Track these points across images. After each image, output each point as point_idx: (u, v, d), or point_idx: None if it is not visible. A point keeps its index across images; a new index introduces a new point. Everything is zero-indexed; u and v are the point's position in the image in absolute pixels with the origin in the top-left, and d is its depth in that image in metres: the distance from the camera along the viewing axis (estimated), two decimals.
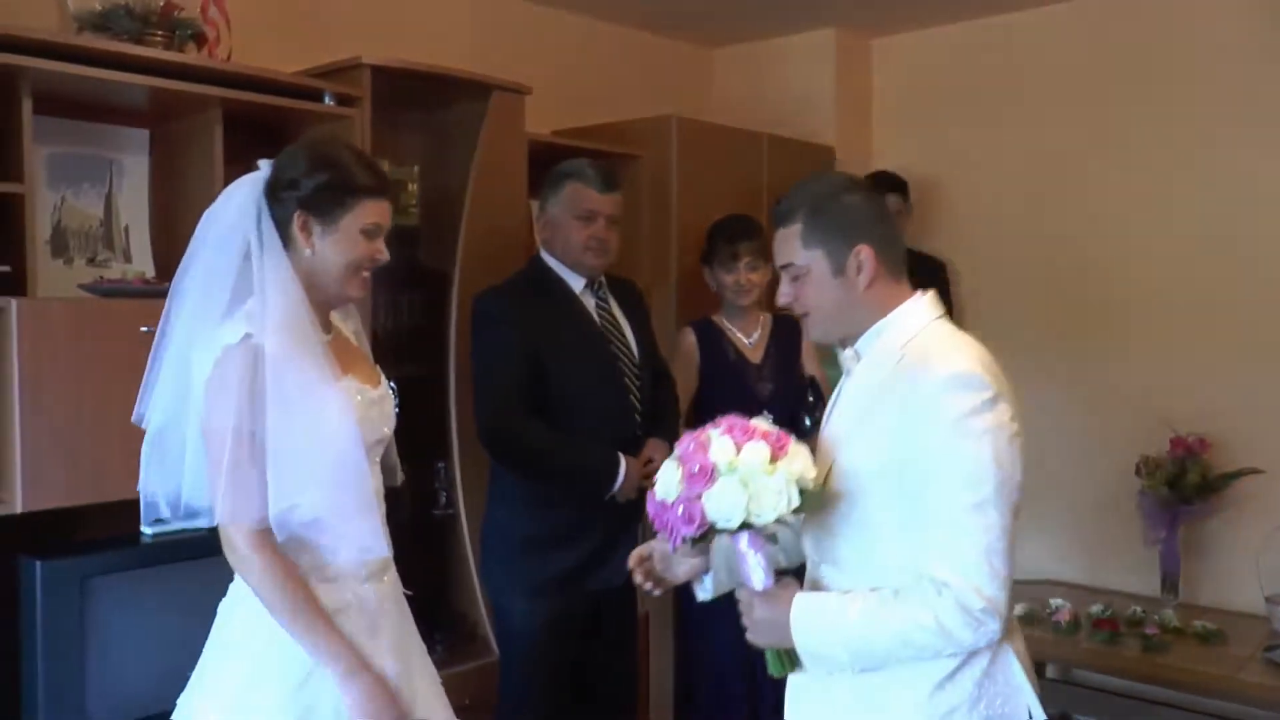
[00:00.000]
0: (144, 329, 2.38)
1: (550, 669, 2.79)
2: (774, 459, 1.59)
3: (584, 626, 2.82)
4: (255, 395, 1.74)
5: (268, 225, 1.83)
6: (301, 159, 1.87)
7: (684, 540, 1.62)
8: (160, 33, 2.61)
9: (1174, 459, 3.74)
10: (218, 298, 1.82)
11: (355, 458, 1.82)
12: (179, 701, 1.94)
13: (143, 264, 2.83)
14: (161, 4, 2.64)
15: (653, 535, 1.80)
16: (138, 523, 2.50)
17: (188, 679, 2.42)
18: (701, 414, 3.27)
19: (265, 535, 1.77)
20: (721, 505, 1.58)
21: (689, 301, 3.66)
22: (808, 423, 3.14)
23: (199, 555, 2.51)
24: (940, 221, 4.36)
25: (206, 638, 2.44)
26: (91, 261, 2.76)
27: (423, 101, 3.26)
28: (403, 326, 3.23)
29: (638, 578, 1.88)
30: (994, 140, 4.30)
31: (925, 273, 3.92)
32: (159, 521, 2.19)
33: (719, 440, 1.62)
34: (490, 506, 2.89)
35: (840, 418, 1.79)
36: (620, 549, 2.84)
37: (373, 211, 1.88)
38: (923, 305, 1.78)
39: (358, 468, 1.83)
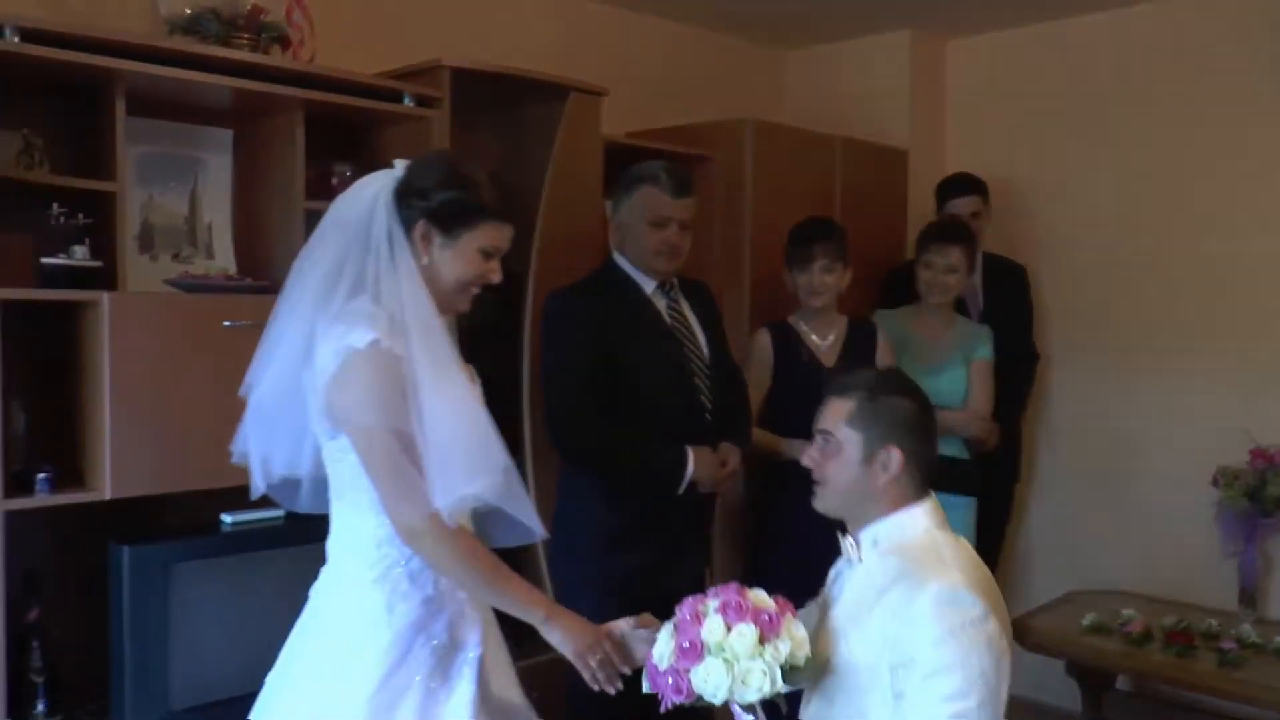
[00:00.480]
0: (226, 324, 2.48)
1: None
2: (762, 640, 1.69)
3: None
4: (397, 397, 1.77)
5: (398, 227, 1.86)
6: (437, 170, 1.91)
7: (671, 705, 1.75)
8: (246, 35, 2.68)
9: (1254, 470, 3.65)
10: (341, 285, 1.85)
11: (499, 443, 1.85)
12: (267, 681, 1.99)
13: (225, 261, 2.91)
14: (248, 8, 2.71)
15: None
16: (217, 511, 2.58)
17: (266, 663, 2.50)
18: (774, 414, 3.29)
19: (441, 520, 1.79)
20: (706, 683, 1.69)
21: (762, 304, 3.66)
22: None
23: (275, 544, 2.60)
24: (1017, 226, 4.30)
25: (281, 624, 2.52)
26: (176, 258, 2.84)
27: (500, 103, 3.30)
28: (477, 326, 3.27)
29: (591, 664, 1.88)
30: (1072, 144, 4.24)
31: (1003, 276, 3.93)
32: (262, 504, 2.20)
33: (712, 618, 1.72)
34: (560, 503, 2.91)
35: (843, 612, 1.88)
36: (692, 550, 2.88)
37: (495, 234, 1.93)
38: (922, 513, 1.88)
39: (504, 452, 1.85)
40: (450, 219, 1.88)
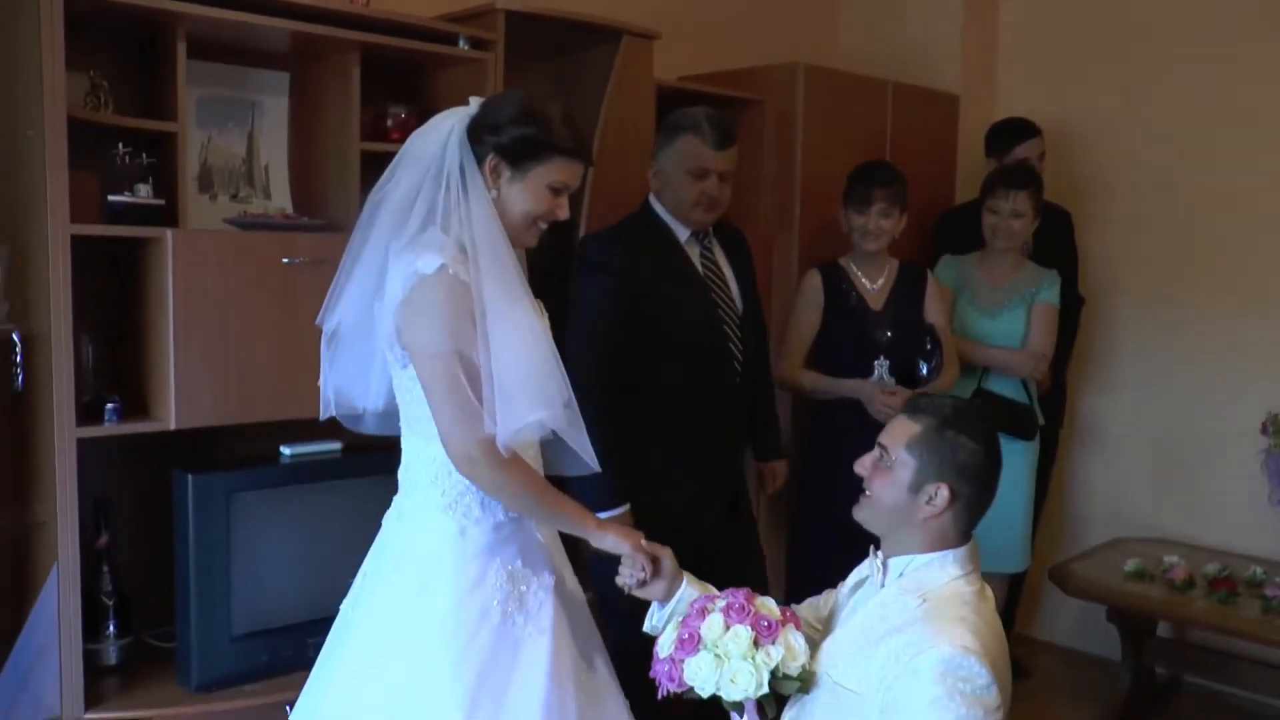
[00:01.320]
0: (285, 260, 2.54)
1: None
2: (756, 644, 1.75)
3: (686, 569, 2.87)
4: (463, 322, 1.81)
5: (470, 160, 1.91)
6: (510, 106, 1.94)
7: (667, 693, 1.82)
8: None
9: None
10: (413, 218, 1.91)
11: (562, 376, 1.90)
12: (342, 609, 2.05)
13: (281, 201, 2.98)
14: None
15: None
16: (276, 443, 2.67)
17: (323, 591, 2.59)
18: (822, 355, 3.32)
19: (493, 446, 1.82)
20: (697, 676, 1.76)
21: (811, 248, 3.67)
22: (923, 369, 3.16)
23: (333, 477, 2.69)
24: (1067, 171, 4.26)
25: (338, 554, 2.60)
26: (234, 198, 2.91)
27: (554, 47, 3.32)
28: (528, 271, 3.32)
29: (640, 559, 1.98)
30: (1127, 87, 4.17)
31: (1049, 221, 3.91)
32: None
33: (714, 615, 1.78)
34: None
35: (849, 633, 1.88)
36: (717, 493, 2.90)
37: (564, 170, 1.96)
38: (955, 561, 1.85)
39: (567, 386, 1.90)
40: (519, 154, 1.92)
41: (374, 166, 2.82)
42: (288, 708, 2.46)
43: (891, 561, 1.88)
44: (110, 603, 2.56)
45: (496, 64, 2.93)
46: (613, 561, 2.03)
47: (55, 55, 2.29)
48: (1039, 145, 3.93)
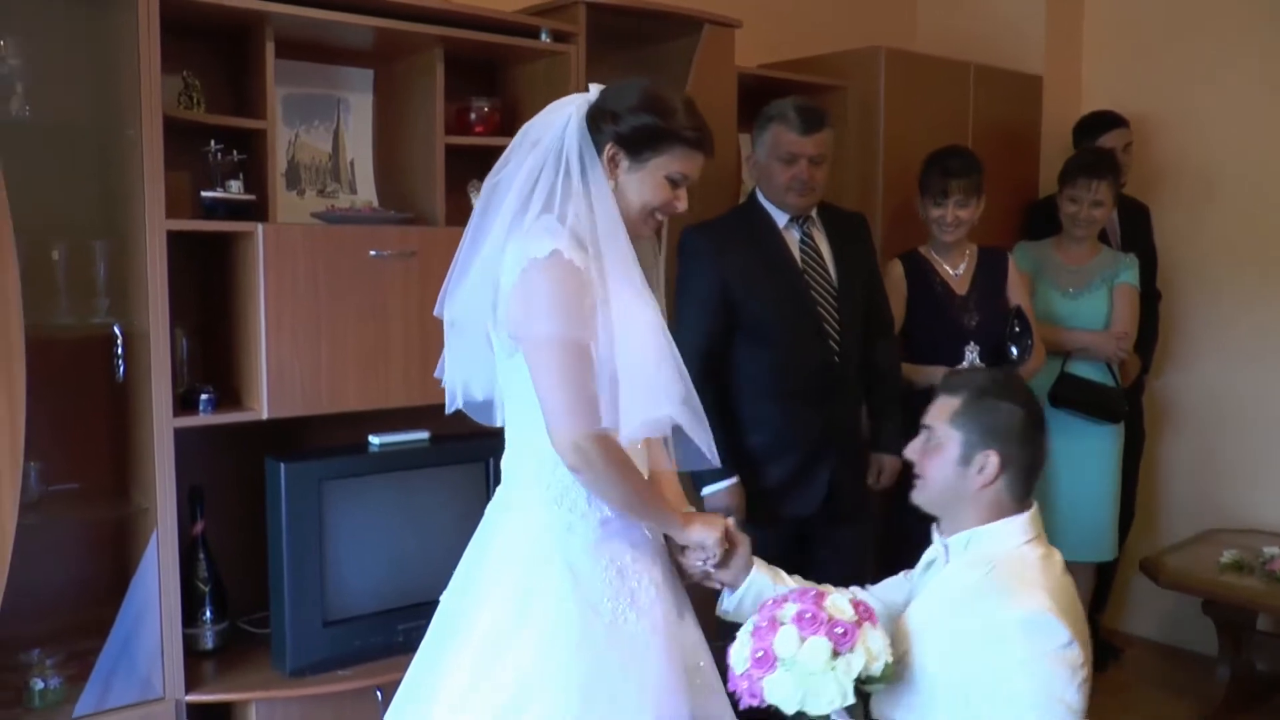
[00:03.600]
0: (372, 253, 2.59)
1: None
2: (835, 654, 1.69)
3: (785, 558, 2.88)
4: (577, 308, 1.76)
5: (589, 148, 1.85)
6: (632, 95, 1.89)
7: (747, 706, 1.76)
8: None
9: None
10: (534, 203, 1.85)
11: (683, 372, 1.85)
12: (443, 600, 1.99)
13: (367, 195, 3.03)
14: None
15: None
16: (365, 432, 2.71)
17: (412, 579, 2.64)
18: (911, 344, 3.30)
19: (607, 439, 1.77)
20: (777, 694, 1.71)
21: (896, 234, 3.64)
22: (1014, 352, 3.13)
23: (421, 465, 2.73)
24: (1149, 156, 4.15)
25: (426, 542, 2.65)
26: (321, 193, 2.96)
27: (635, 37, 3.32)
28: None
29: (720, 548, 1.96)
30: (1217, 75, 4.05)
31: (1127, 216, 3.82)
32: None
33: (786, 629, 1.72)
34: None
35: (920, 612, 1.87)
36: (816, 478, 2.90)
37: (684, 161, 1.90)
38: (1019, 527, 1.84)
39: (687, 381, 1.85)
40: (638, 143, 1.86)
41: (458, 160, 2.88)
42: (379, 693, 2.51)
43: (952, 540, 1.87)
44: (206, 589, 2.63)
45: (578, 56, 2.95)
46: None
47: (152, 57, 2.35)
48: (1126, 135, 3.87)
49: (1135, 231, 3.89)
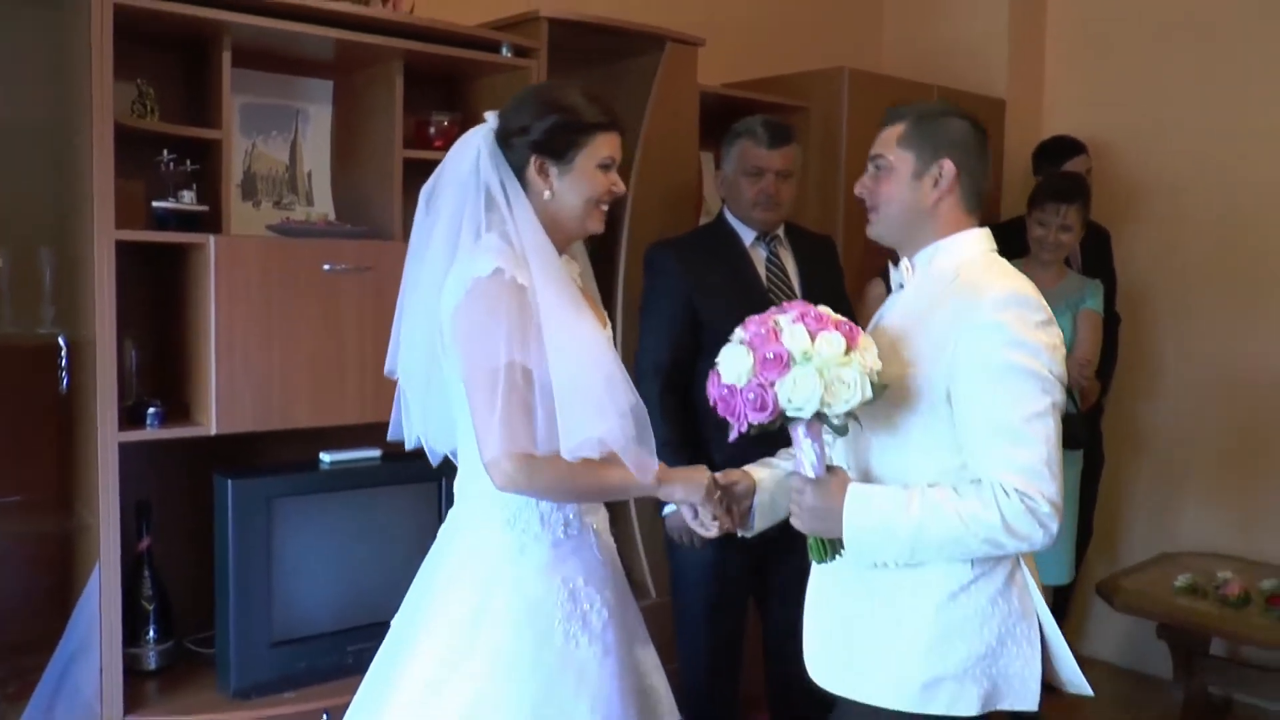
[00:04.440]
0: (326, 267, 2.55)
1: (719, 615, 2.86)
2: (848, 350, 1.61)
3: (745, 579, 2.87)
4: (520, 329, 1.75)
5: (507, 172, 1.86)
6: (530, 104, 1.90)
7: (748, 428, 1.64)
8: None
9: None
10: (462, 242, 1.85)
11: (625, 384, 1.83)
12: (394, 624, 1.97)
13: (324, 207, 2.99)
14: None
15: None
16: (316, 449, 2.67)
17: (362, 599, 2.60)
18: None
19: (532, 459, 1.75)
20: (796, 394, 1.60)
21: (854, 253, 3.63)
22: None
23: (372, 483, 2.69)
24: (1110, 179, 4.19)
25: (377, 561, 2.62)
26: (277, 204, 2.93)
27: (598, 54, 3.31)
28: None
29: (711, 506, 1.89)
30: (1178, 99, 4.09)
31: (1088, 239, 3.84)
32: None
33: (791, 328, 1.63)
34: None
35: (891, 326, 1.82)
36: None
37: (606, 145, 1.90)
38: (979, 236, 1.84)
39: (630, 392, 1.83)
40: (559, 144, 1.86)
41: (416, 174, 2.83)
42: (325, 716, 2.47)
43: (918, 256, 1.84)
44: (151, 607, 2.58)
45: (539, 71, 2.93)
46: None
47: (104, 64, 2.31)
48: (1086, 162, 3.90)
49: (1096, 255, 3.92)
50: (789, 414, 1.63)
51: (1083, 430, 3.50)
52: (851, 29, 4.54)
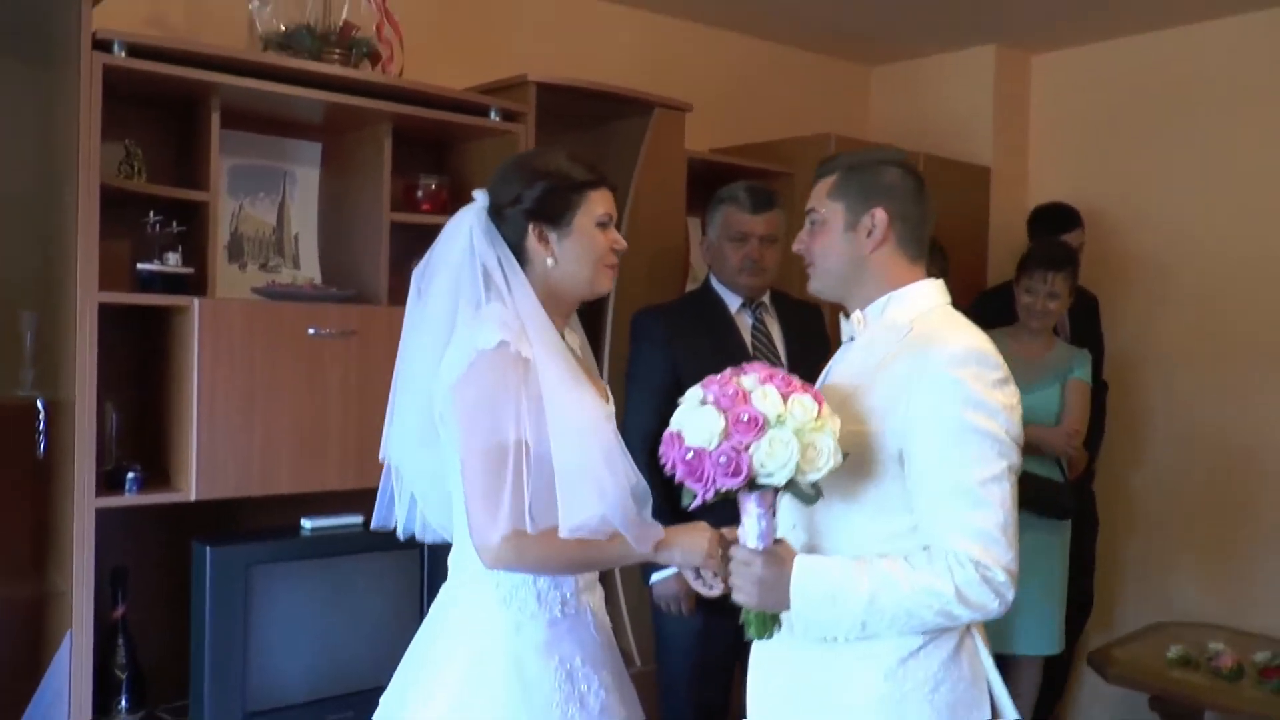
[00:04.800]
0: (311, 331, 2.53)
1: (705, 683, 2.83)
2: (819, 414, 1.53)
3: (734, 649, 2.83)
4: (516, 403, 1.71)
5: (504, 248, 1.82)
6: (517, 174, 1.87)
7: (713, 494, 1.55)
8: (338, 51, 2.74)
9: None
10: (460, 315, 1.81)
11: (626, 461, 1.79)
12: (383, 700, 1.92)
13: (310, 270, 2.98)
14: (340, 24, 2.77)
15: None
16: (297, 515, 2.63)
17: (343, 668, 2.55)
18: None
19: (522, 538, 1.71)
20: (771, 459, 1.51)
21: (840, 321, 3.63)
22: None
23: (354, 550, 2.64)
24: (1098, 254, 4.20)
25: (358, 629, 2.57)
26: (264, 267, 2.91)
27: (586, 118, 3.33)
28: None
29: (713, 566, 1.81)
30: (1161, 165, 4.12)
31: (1077, 305, 3.85)
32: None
33: (761, 389, 1.55)
34: None
35: (838, 383, 1.76)
36: None
37: (600, 202, 1.88)
38: (934, 288, 1.78)
39: (632, 470, 1.79)
40: (554, 208, 1.84)
41: (404, 237, 2.84)
42: None
43: (869, 308, 1.78)
44: (124, 675, 2.52)
45: (527, 135, 2.94)
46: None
47: (92, 124, 2.31)
48: (1080, 236, 3.89)
49: (1085, 320, 3.92)
50: (760, 480, 1.54)
51: (1071, 499, 3.48)
52: (838, 97, 4.58)
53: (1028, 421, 3.49)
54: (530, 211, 1.83)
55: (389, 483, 1.97)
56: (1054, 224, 3.91)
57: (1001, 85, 4.39)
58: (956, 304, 1.83)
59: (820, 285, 1.84)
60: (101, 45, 2.34)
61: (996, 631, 3.53)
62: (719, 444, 1.52)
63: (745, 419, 1.51)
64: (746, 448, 1.51)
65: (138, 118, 2.65)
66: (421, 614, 2.63)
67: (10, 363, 2.40)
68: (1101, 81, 4.31)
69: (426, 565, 2.66)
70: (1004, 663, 3.57)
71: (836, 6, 3.92)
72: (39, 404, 2.38)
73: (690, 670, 2.81)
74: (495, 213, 1.85)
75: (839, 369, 1.80)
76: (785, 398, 1.54)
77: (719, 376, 1.59)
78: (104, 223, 2.34)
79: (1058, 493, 3.46)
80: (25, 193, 2.54)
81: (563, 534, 1.69)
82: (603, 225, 1.88)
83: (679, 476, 1.57)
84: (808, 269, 1.84)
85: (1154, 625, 3.90)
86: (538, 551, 1.72)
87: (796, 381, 1.57)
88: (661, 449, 1.60)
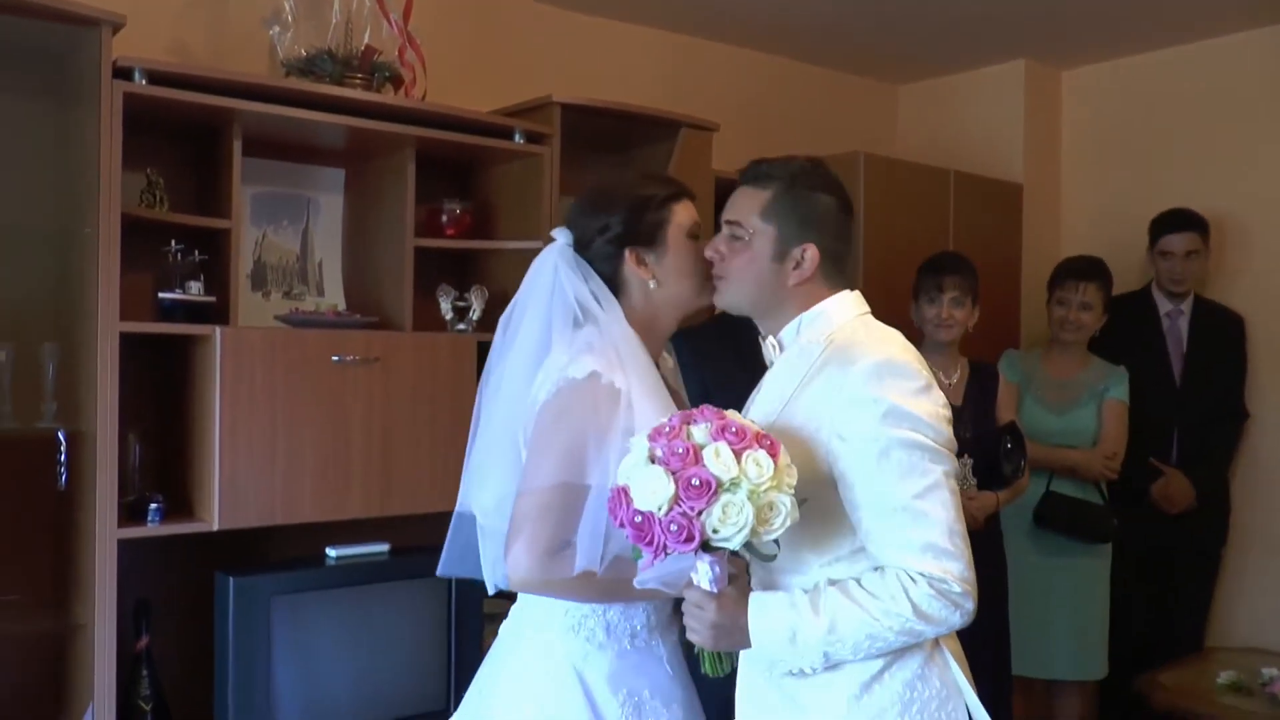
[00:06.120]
0: (334, 358, 2.50)
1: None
2: (775, 470, 1.44)
3: None
4: (592, 440, 1.66)
5: (597, 282, 1.79)
6: (596, 205, 1.84)
7: (664, 556, 1.45)
8: (360, 76, 2.72)
9: None
10: (555, 343, 1.77)
11: None
12: (458, 715, 1.88)
13: (334, 297, 2.95)
14: (362, 49, 2.75)
15: None
16: (322, 544, 2.60)
17: (368, 696, 2.50)
18: None
19: (547, 584, 1.68)
20: (726, 525, 1.42)
21: None
22: (1007, 470, 3.01)
23: (379, 579, 2.60)
24: (1135, 266, 4.12)
25: (384, 657, 2.52)
26: (287, 295, 2.89)
27: (612, 139, 3.30)
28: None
29: None
30: (1195, 178, 4.04)
31: (1217, 324, 3.73)
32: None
33: (713, 447, 1.44)
34: None
35: (761, 408, 1.70)
36: None
37: (685, 212, 1.84)
38: (848, 301, 1.73)
39: None
40: (645, 228, 1.80)
41: (428, 262, 2.81)
42: None
43: (783, 334, 1.72)
44: (148, 708, 2.49)
45: (552, 158, 2.90)
46: None
47: (114, 153, 2.30)
48: (1191, 240, 3.74)
49: (1218, 342, 3.78)
50: (714, 545, 1.45)
51: (1110, 523, 3.40)
52: (866, 116, 4.53)
53: (1063, 445, 3.44)
54: (621, 237, 1.80)
55: (460, 533, 1.89)
56: (1163, 224, 3.79)
57: (1032, 101, 4.32)
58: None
59: (730, 302, 1.77)
60: (122, 73, 2.33)
61: (1036, 657, 3.48)
62: (669, 510, 1.42)
63: (696, 484, 1.41)
64: (698, 514, 1.41)
65: (159, 147, 2.65)
66: (449, 643, 2.62)
67: (32, 394, 2.38)
68: (1133, 95, 4.24)
69: (455, 594, 2.62)
70: (1047, 688, 3.52)
71: (863, 25, 3.88)
72: (60, 435, 2.36)
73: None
74: (582, 247, 1.80)
75: (760, 398, 1.74)
76: (739, 455, 1.43)
77: (667, 426, 1.49)
78: (126, 252, 2.32)
79: (1097, 516, 3.38)
80: (47, 223, 2.53)
81: (636, 585, 1.55)
82: (694, 236, 1.84)
83: (628, 537, 1.47)
84: (716, 280, 1.77)
85: (1204, 650, 3.80)
86: (561, 586, 1.68)
87: (750, 431, 1.46)
88: (609, 504, 1.51)
